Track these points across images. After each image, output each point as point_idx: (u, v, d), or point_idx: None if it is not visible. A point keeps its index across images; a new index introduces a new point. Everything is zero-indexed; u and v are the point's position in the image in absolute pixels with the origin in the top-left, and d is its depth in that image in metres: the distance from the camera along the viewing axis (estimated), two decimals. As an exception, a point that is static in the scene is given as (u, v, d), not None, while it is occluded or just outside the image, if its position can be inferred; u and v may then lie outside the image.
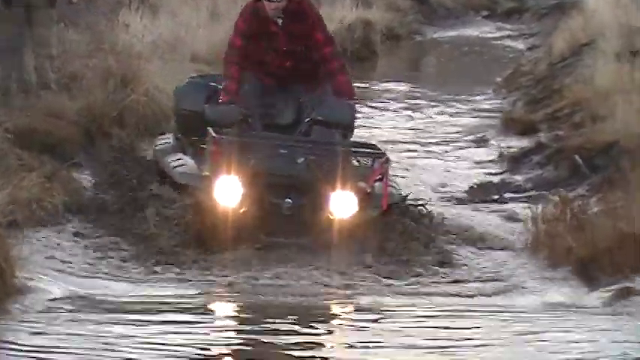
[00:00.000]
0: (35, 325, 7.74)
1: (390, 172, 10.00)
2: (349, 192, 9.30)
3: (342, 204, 9.27)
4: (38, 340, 7.41)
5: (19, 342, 7.34)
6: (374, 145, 10.27)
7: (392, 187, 9.94)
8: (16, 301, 8.13)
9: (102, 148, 12.51)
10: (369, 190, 9.52)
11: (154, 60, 14.13)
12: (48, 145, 11.55)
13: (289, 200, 9.28)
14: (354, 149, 9.77)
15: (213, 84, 10.37)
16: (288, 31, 9.83)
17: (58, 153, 11.62)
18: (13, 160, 10.40)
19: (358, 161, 9.71)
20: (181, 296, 8.51)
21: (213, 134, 9.50)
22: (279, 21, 9.82)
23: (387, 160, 9.75)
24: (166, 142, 10.82)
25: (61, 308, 8.15)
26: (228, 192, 9.26)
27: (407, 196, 10.16)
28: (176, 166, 9.99)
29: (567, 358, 7.42)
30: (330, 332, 7.98)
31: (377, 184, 9.64)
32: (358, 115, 10.64)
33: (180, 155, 10.22)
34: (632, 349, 7.47)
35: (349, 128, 10.02)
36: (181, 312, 8.10)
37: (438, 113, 16.39)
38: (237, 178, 9.26)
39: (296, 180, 9.38)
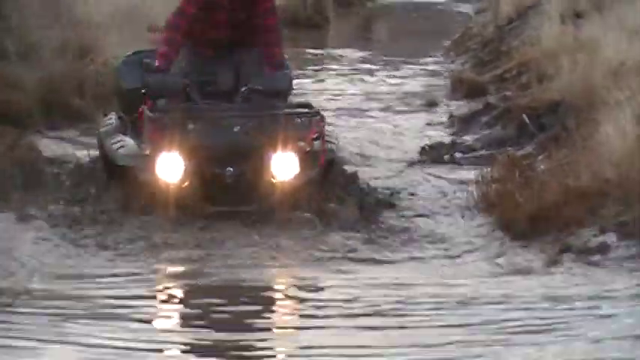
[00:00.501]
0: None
1: (329, 130, 10.00)
2: (289, 153, 9.26)
3: (283, 166, 9.23)
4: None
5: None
6: (309, 104, 10.12)
7: (330, 143, 9.82)
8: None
9: (61, 117, 12.65)
10: (307, 149, 9.45)
11: (112, 30, 14.14)
12: (8, 116, 11.57)
13: (230, 169, 9.16)
14: (289, 111, 9.68)
15: (147, 60, 10.07)
16: (233, 3, 9.75)
17: (19, 124, 11.63)
18: None
19: (294, 122, 9.59)
20: (130, 273, 8.39)
21: (149, 114, 9.38)
22: None
23: (323, 119, 9.67)
24: (109, 123, 10.45)
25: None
26: (170, 168, 9.16)
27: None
28: (117, 148, 9.68)
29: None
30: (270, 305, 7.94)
31: (315, 142, 9.54)
32: (309, 81, 10.57)
33: (121, 137, 9.88)
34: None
35: (285, 95, 9.96)
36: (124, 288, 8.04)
37: (389, 77, 16.43)
38: (178, 154, 9.16)
39: (235, 148, 9.28)
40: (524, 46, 15.12)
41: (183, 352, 6.86)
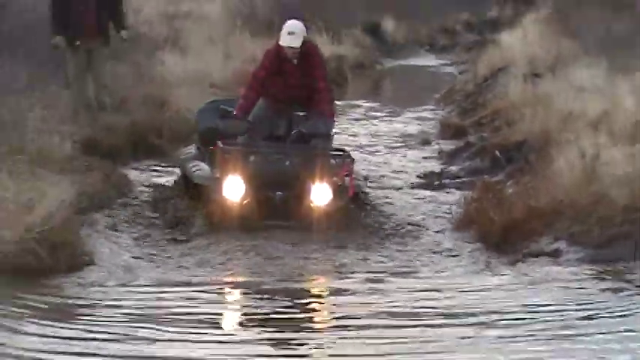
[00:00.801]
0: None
1: (355, 169, 9.94)
2: (325, 184, 9.27)
3: (320, 194, 9.24)
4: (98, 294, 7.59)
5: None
6: (343, 149, 10.10)
7: (356, 179, 9.98)
8: (80, 270, 8.08)
9: (144, 153, 12.65)
10: (339, 183, 9.46)
11: (182, 87, 14.14)
12: (106, 152, 11.59)
13: (279, 193, 9.21)
14: (327, 153, 9.62)
15: (223, 106, 10.09)
16: (300, 68, 9.65)
17: (114, 158, 11.64)
18: (81, 163, 10.35)
19: (330, 161, 9.55)
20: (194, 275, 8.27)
21: (221, 145, 9.38)
22: (295, 61, 9.64)
23: (352, 160, 9.72)
24: (189, 152, 10.62)
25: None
26: (234, 189, 9.20)
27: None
28: (195, 171, 9.80)
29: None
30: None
31: (346, 178, 9.55)
32: (336, 126, 10.49)
33: (198, 162, 9.96)
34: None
35: (327, 137, 9.77)
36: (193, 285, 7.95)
37: (393, 121, 16.31)
38: (240, 178, 9.20)
39: (284, 177, 9.27)
40: (496, 99, 15.05)
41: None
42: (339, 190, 9.38)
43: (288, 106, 9.76)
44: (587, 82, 13.38)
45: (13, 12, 12.21)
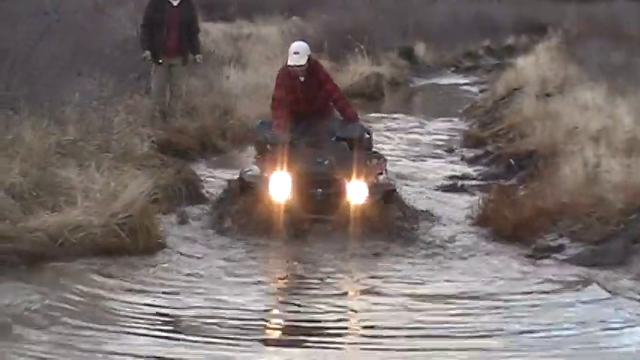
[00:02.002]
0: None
1: (389, 169, 9.84)
2: (361, 183, 8.98)
3: (357, 192, 8.95)
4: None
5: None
6: (377, 151, 9.96)
7: (391, 179, 9.69)
8: (155, 252, 8.13)
9: (211, 153, 12.71)
10: (375, 182, 9.24)
11: (244, 98, 14.24)
12: (178, 151, 11.64)
13: (320, 190, 8.95)
14: (363, 153, 9.33)
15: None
16: (306, 84, 9.45)
17: (184, 156, 11.70)
18: (157, 160, 10.34)
19: (366, 162, 9.27)
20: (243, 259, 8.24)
21: (269, 149, 9.24)
22: (302, 78, 9.44)
23: (385, 161, 9.64)
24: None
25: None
26: (280, 186, 8.89)
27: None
28: (247, 172, 9.48)
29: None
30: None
31: (380, 177, 9.40)
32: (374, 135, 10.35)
33: (252, 167, 9.61)
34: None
35: (362, 140, 9.50)
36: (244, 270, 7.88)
37: (422, 133, 16.24)
38: (287, 175, 8.90)
39: (324, 176, 9.01)
40: (512, 114, 14.97)
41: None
42: (373, 188, 9.10)
43: (311, 118, 9.57)
44: (590, 101, 13.33)
45: (104, 32, 12.31)
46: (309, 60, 9.44)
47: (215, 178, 11.17)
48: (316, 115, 9.60)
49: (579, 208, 8.91)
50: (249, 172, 9.46)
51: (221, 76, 14.66)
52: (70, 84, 10.21)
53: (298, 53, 9.40)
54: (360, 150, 9.31)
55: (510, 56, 25.73)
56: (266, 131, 9.51)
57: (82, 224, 7.78)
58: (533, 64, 18.55)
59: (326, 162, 9.09)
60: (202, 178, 11.00)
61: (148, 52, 12.07)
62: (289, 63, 9.42)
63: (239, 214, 9.05)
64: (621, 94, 13.14)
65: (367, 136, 9.70)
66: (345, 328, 6.80)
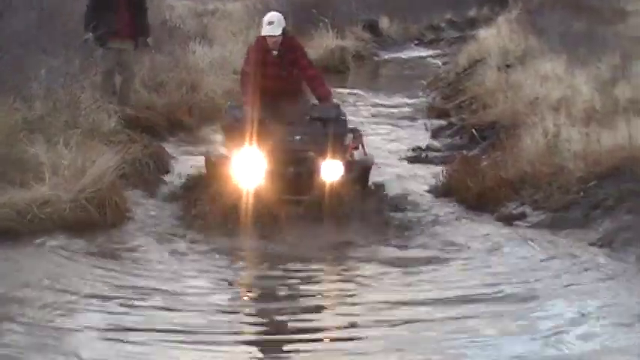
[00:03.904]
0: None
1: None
2: (337, 161, 8.33)
3: (332, 170, 8.29)
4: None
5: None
6: (353, 127, 9.14)
7: (367, 155, 9.00)
8: (125, 225, 8.13)
9: (177, 129, 12.56)
10: (349, 159, 8.59)
11: (210, 74, 14.12)
12: (145, 127, 11.47)
13: (292, 169, 8.30)
14: (337, 129, 8.63)
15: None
16: (279, 60, 8.78)
17: (152, 132, 11.57)
18: (124, 136, 10.24)
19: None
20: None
21: (236, 124, 8.51)
22: (275, 52, 8.78)
23: (361, 135, 8.87)
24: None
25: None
26: (249, 164, 8.23)
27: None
28: (214, 152, 9.02)
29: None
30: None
31: (356, 153, 8.79)
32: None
33: (217, 149, 9.21)
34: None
35: (338, 121, 8.78)
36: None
37: (386, 105, 16.20)
38: (256, 154, 8.24)
39: (297, 153, 8.36)
40: (474, 86, 14.99)
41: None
42: (348, 165, 8.46)
43: (266, 99, 8.67)
44: (550, 72, 13.38)
45: (68, 7, 12.12)
46: (284, 33, 8.77)
47: (183, 154, 11.13)
48: (288, 95, 8.88)
49: (540, 176, 8.98)
50: (216, 152, 8.97)
51: (187, 52, 14.53)
52: (36, 60, 10.09)
53: (272, 23, 8.74)
54: (335, 129, 8.61)
55: (472, 28, 25.69)
56: (234, 115, 8.74)
57: (51, 199, 7.76)
58: (495, 36, 18.52)
59: (298, 138, 8.47)
60: (170, 153, 10.96)
61: (90, 35, 11.18)
62: (262, 33, 8.79)
63: (205, 198, 8.37)
64: (581, 65, 13.20)
65: (343, 118, 8.98)
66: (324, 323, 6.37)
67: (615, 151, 8.86)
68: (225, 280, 7.03)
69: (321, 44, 19.76)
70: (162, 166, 10.28)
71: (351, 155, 8.69)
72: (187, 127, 12.67)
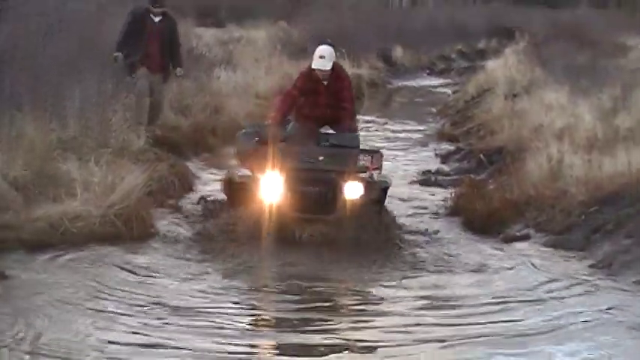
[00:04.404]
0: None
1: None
2: (357, 183, 8.01)
3: (353, 190, 7.96)
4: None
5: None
6: (373, 148, 8.92)
7: (384, 177, 8.61)
8: (151, 241, 8.04)
9: (202, 149, 12.62)
10: (369, 179, 8.22)
11: (233, 97, 14.20)
12: (171, 147, 11.48)
13: (314, 188, 7.94)
14: (358, 150, 8.29)
15: (258, 129, 8.52)
16: (329, 89, 8.49)
17: (178, 151, 11.59)
18: (152, 155, 10.24)
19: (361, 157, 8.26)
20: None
21: (260, 147, 8.12)
22: (325, 82, 8.48)
23: (381, 156, 8.45)
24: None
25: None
26: (271, 185, 7.89)
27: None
28: (236, 172, 8.54)
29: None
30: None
31: (375, 173, 8.36)
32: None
33: (239, 170, 8.61)
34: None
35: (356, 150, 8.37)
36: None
37: (398, 130, 16.21)
38: (278, 174, 7.90)
39: (319, 173, 8.00)
40: (482, 113, 15.03)
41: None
42: (369, 185, 8.12)
43: (317, 126, 8.58)
44: (555, 101, 13.38)
45: (105, 32, 12.15)
46: (334, 65, 8.46)
47: (206, 173, 11.15)
48: (334, 122, 8.60)
49: (544, 200, 8.95)
50: (238, 172, 8.56)
51: (212, 77, 14.56)
52: (72, 82, 10.14)
53: (324, 57, 8.39)
54: (354, 155, 8.24)
55: (481, 59, 25.78)
56: (248, 142, 8.33)
57: (82, 214, 7.79)
58: (502, 67, 18.58)
59: (320, 158, 8.09)
60: (194, 172, 10.96)
61: (120, 54, 10.88)
62: (314, 66, 8.42)
63: (228, 217, 8.14)
64: (584, 95, 13.19)
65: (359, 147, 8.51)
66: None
67: (615, 177, 8.82)
68: (243, 303, 6.70)
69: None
70: (187, 184, 10.27)
71: (371, 176, 8.35)
72: (211, 147, 12.69)
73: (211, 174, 11.04)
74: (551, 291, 7.05)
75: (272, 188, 7.89)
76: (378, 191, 8.29)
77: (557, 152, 9.76)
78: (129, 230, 7.94)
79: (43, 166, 8.41)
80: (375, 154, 8.45)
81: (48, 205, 7.83)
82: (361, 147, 8.42)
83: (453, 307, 6.69)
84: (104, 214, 7.86)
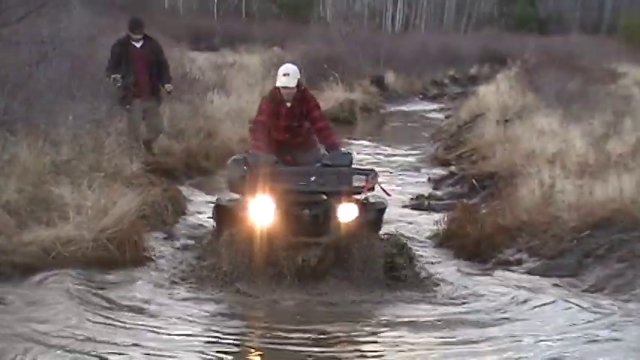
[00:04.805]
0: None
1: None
2: (351, 203, 7.71)
3: (347, 211, 7.67)
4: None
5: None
6: (368, 168, 8.29)
7: (380, 197, 8.15)
8: (144, 266, 8.02)
9: (196, 172, 12.58)
10: (364, 201, 7.91)
11: (227, 121, 14.17)
12: (165, 171, 11.49)
13: (307, 211, 7.66)
14: (351, 169, 7.90)
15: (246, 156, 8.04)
16: (292, 111, 8.17)
17: (171, 175, 11.57)
18: (145, 179, 10.23)
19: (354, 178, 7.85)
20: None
21: (249, 170, 7.76)
22: (288, 104, 8.17)
23: (376, 175, 7.97)
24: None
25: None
26: (262, 209, 7.59)
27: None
28: (225, 198, 8.13)
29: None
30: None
31: (370, 194, 8.00)
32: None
33: (228, 195, 8.17)
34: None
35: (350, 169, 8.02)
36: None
37: (391, 155, 16.18)
38: (269, 197, 7.60)
39: (312, 195, 7.73)
40: (474, 138, 14.99)
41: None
42: (364, 207, 7.84)
43: (277, 151, 8.14)
44: (546, 127, 13.38)
45: (97, 58, 12.19)
46: (298, 85, 8.17)
47: (199, 197, 11.12)
48: (299, 146, 8.32)
49: (536, 225, 8.94)
50: (228, 198, 8.20)
51: (205, 101, 14.55)
52: (65, 107, 10.13)
53: (288, 75, 8.12)
54: (347, 175, 7.87)
55: (473, 85, 25.87)
56: (239, 169, 7.94)
57: (74, 238, 7.76)
58: (494, 92, 18.60)
59: (312, 179, 7.76)
60: (187, 196, 10.93)
61: (117, 75, 11.03)
62: (277, 84, 8.14)
63: (216, 246, 7.86)
64: (575, 120, 13.21)
65: (354, 166, 8.20)
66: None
67: (607, 202, 8.82)
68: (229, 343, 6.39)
69: (331, 97, 19.83)
70: (180, 208, 10.26)
71: (366, 197, 8.01)
72: (204, 171, 12.67)
73: (203, 197, 11.02)
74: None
75: (262, 212, 7.59)
76: (374, 212, 8.01)
77: (549, 178, 9.75)
78: (122, 254, 7.91)
79: (36, 189, 8.40)
80: (370, 173, 7.99)
81: (40, 229, 7.80)
82: (355, 167, 8.10)
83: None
84: (97, 237, 7.83)
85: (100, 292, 7.20)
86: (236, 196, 8.06)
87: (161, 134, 11.96)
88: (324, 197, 7.75)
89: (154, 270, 7.97)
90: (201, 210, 10.27)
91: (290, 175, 7.80)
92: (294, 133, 8.26)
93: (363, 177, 7.85)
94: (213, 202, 8.53)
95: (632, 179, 9.05)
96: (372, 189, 7.96)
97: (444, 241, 9.52)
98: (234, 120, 14.42)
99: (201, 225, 9.31)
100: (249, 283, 7.48)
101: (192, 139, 13.03)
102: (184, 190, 11.30)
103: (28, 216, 7.99)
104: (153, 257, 8.22)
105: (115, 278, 7.58)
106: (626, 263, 7.83)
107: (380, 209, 8.11)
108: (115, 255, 7.86)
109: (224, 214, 8.03)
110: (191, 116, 13.48)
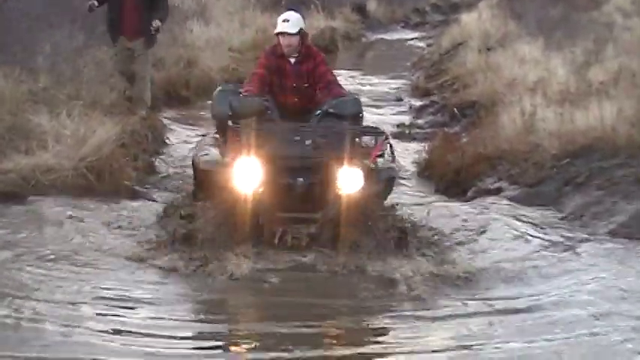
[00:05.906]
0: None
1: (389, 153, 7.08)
2: (355, 169, 6.40)
3: (350, 180, 6.37)
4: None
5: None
6: (376, 127, 7.10)
7: (392, 163, 7.10)
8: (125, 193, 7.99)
9: (175, 102, 12.48)
10: (372, 167, 6.68)
11: (207, 50, 14.01)
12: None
13: (301, 179, 6.40)
14: (356, 130, 6.70)
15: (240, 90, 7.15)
16: (297, 70, 7.08)
17: (150, 104, 11.36)
18: (124, 108, 10.01)
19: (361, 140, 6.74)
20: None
21: (231, 125, 6.67)
22: (292, 60, 7.10)
23: (387, 138, 6.95)
24: (202, 141, 7.74)
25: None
26: (246, 174, 6.34)
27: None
28: (202, 156, 7.03)
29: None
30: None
31: (380, 160, 6.84)
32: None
33: (208, 149, 7.15)
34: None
35: (357, 118, 6.97)
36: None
37: (373, 84, 16.04)
38: (255, 160, 6.36)
39: (306, 161, 6.45)
40: (456, 67, 14.92)
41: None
42: (371, 175, 6.57)
43: (285, 114, 7.01)
44: (528, 55, 13.34)
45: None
46: (302, 37, 7.10)
47: (179, 127, 11.07)
48: (308, 113, 7.04)
49: (517, 153, 8.96)
50: (206, 156, 7.03)
51: (185, 30, 14.37)
52: (42, 35, 9.98)
53: (288, 21, 7.03)
54: (352, 126, 6.78)
55: (455, 13, 25.55)
56: (227, 100, 6.91)
57: (54, 167, 7.73)
58: (476, 20, 18.41)
59: (308, 142, 6.57)
60: (166, 125, 10.86)
61: (94, 1, 9.89)
62: (276, 30, 7.07)
63: (193, 214, 6.65)
64: (557, 49, 13.16)
65: (361, 115, 7.15)
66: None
67: (588, 131, 8.84)
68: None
69: (312, 25, 19.48)
70: (160, 137, 10.18)
71: (375, 162, 6.78)
72: (185, 101, 12.56)
73: (184, 126, 10.92)
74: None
75: (245, 179, 6.37)
76: (382, 183, 6.81)
77: (530, 106, 9.75)
78: (101, 183, 7.88)
79: (14, 118, 8.33)
80: (380, 135, 6.85)
81: (20, 158, 7.76)
82: (365, 125, 7.04)
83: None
84: (76, 166, 7.80)
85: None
86: (215, 152, 7.03)
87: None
88: (323, 161, 6.50)
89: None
90: (180, 138, 10.22)
91: (281, 133, 6.62)
92: (303, 96, 7.12)
93: (371, 139, 6.81)
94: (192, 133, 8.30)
95: (613, 107, 9.05)
96: (382, 155, 6.88)
97: (425, 170, 9.55)
98: (214, 49, 14.25)
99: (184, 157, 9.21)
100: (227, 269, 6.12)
101: (173, 68, 12.87)
102: (164, 118, 11.19)
103: (6, 145, 7.94)
104: (133, 186, 8.18)
105: (94, 206, 7.56)
106: (605, 191, 7.88)
107: (390, 178, 7.02)
108: (94, 184, 7.83)
109: (201, 176, 6.99)
110: (170, 45, 13.30)
